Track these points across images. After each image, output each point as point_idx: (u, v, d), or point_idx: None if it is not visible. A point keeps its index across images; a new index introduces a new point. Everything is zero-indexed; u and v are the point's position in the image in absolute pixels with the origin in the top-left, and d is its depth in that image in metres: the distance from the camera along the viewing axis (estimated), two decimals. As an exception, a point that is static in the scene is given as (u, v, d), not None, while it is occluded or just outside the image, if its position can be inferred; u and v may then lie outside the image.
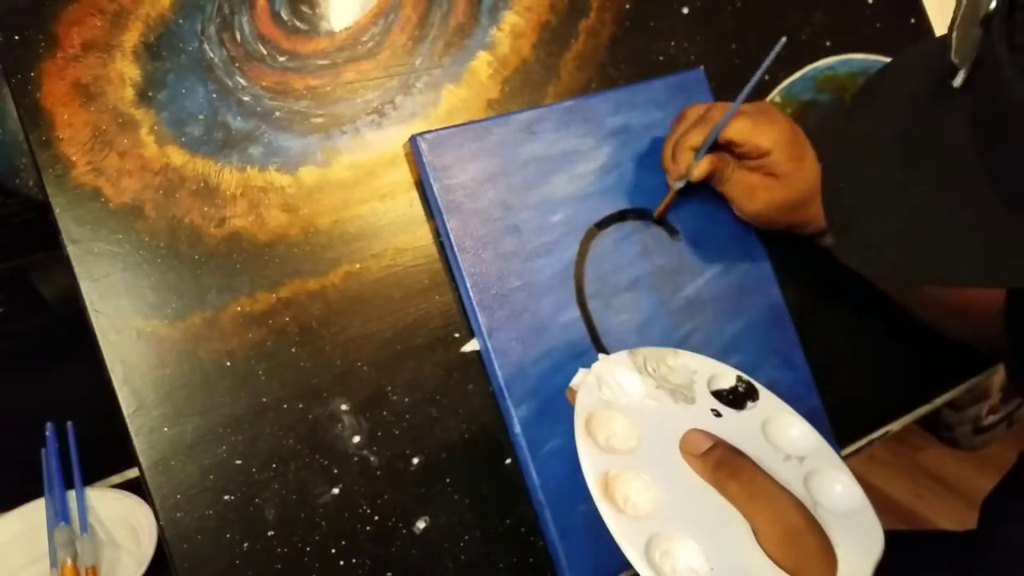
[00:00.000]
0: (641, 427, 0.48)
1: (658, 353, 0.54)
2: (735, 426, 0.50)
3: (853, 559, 0.43)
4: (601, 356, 0.53)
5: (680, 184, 0.60)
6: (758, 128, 0.57)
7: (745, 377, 0.54)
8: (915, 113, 0.40)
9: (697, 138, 0.58)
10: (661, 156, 0.61)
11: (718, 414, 0.51)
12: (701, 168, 0.58)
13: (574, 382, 0.51)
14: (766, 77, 0.70)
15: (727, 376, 0.54)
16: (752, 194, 0.59)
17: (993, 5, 0.34)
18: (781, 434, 0.51)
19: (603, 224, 0.60)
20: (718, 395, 0.52)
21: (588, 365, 0.51)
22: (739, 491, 0.44)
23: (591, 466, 0.45)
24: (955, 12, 0.36)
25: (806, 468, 0.49)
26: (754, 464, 0.46)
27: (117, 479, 0.75)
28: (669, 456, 0.47)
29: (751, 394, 0.53)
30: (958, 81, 0.36)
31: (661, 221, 0.62)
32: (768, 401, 0.53)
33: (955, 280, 0.39)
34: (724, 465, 0.45)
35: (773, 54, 0.55)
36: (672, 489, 0.45)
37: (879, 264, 0.40)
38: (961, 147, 0.36)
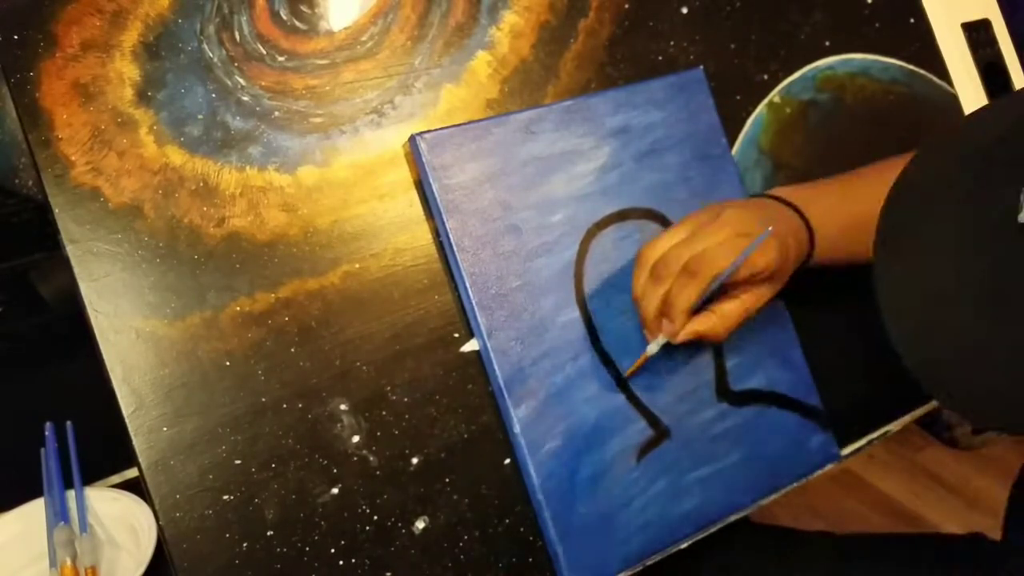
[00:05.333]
0: None
1: None
2: None
3: None
4: None
5: (658, 347, 0.56)
6: (754, 256, 0.53)
7: None
8: (980, 254, 0.38)
9: (691, 297, 0.53)
10: (640, 309, 0.56)
11: None
12: (692, 331, 0.54)
13: None
14: (765, 76, 0.70)
15: None
16: (763, 295, 0.56)
17: None
18: None
19: (603, 224, 0.60)
20: None
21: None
22: None
23: None
24: None
25: None
26: None
27: (116, 479, 0.75)
28: None
29: None
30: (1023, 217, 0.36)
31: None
32: None
33: None
34: None
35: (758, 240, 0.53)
36: None
37: (993, 419, 0.39)
38: None
